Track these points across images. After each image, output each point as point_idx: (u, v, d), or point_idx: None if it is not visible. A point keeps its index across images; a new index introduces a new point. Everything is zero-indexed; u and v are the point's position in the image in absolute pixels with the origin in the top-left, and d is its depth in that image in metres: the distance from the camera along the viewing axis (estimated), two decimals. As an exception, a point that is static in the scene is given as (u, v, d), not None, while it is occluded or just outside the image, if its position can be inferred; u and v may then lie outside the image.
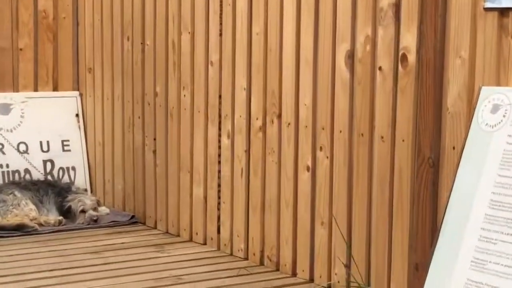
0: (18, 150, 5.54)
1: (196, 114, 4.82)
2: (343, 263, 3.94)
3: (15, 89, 5.71)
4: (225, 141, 4.63)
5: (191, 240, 4.91)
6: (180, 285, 4.05)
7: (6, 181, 5.46)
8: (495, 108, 3.21)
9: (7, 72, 5.71)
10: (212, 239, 4.79)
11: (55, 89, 5.82)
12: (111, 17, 5.48)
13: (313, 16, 4.04)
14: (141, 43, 5.22)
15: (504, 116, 3.18)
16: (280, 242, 4.29)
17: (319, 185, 4.06)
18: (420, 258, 3.52)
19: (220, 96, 4.64)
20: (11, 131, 5.56)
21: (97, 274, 4.21)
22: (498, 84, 3.29)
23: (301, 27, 4.10)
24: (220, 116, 4.66)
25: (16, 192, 5.16)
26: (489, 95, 3.24)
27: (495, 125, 3.20)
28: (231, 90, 4.56)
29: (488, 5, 3.29)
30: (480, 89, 3.29)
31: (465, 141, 3.25)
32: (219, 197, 4.71)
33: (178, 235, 5.03)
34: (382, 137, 3.74)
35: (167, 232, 5.12)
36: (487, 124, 3.22)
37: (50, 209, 5.28)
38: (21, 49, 5.74)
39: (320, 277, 4.07)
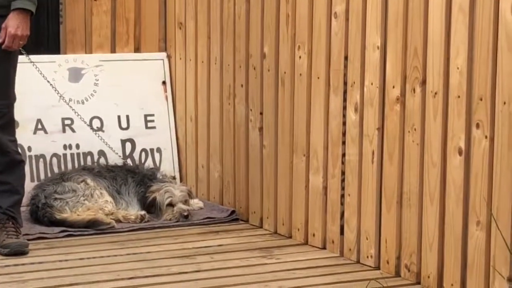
0: (91, 126, 5.61)
1: (315, 81, 4.82)
2: (503, 276, 3.82)
3: (88, 50, 5.80)
4: (351, 115, 4.61)
5: (306, 243, 4.93)
6: None
7: (77, 166, 5.55)
8: None
9: (79, 29, 5.79)
10: (333, 242, 4.78)
11: (137, 50, 5.89)
12: None
13: None
14: None
15: None
16: (423, 247, 4.25)
17: (475, 174, 3.98)
18: None
19: (346, 58, 4.63)
20: (83, 102, 5.65)
21: (187, 285, 4.23)
22: None
23: None
24: (345, 83, 4.64)
25: (89, 180, 5.22)
26: None
27: None
28: (360, 49, 4.54)
29: None
30: None
31: None
32: (342, 188, 4.70)
33: (290, 237, 5.02)
34: None
35: (275, 233, 5.13)
36: None
37: (130, 201, 5.34)
38: (95, 1, 5.79)
39: None
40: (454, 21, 4.04)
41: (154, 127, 5.74)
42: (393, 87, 4.35)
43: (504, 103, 3.80)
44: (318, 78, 4.78)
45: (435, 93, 4.14)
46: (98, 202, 5.11)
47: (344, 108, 4.65)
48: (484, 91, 3.91)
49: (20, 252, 4.57)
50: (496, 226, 3.81)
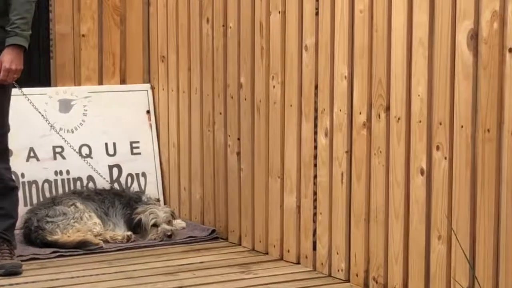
0: (80, 153, 5.63)
1: (288, 108, 4.86)
2: (463, 287, 3.87)
3: (77, 82, 5.81)
4: (322, 140, 4.65)
5: (282, 258, 4.96)
6: None
7: (67, 190, 5.57)
8: None
9: (68, 62, 5.80)
10: (306, 257, 4.81)
11: (123, 81, 5.91)
12: None
13: None
14: (223, 26, 5.26)
15: None
16: (389, 260, 4.31)
17: (436, 192, 4.07)
18: None
19: (316, 87, 4.67)
20: (72, 131, 5.66)
21: None
22: None
23: (413, 2, 4.09)
24: (316, 110, 4.68)
25: (78, 204, 5.24)
26: None
27: None
28: (329, 79, 4.58)
29: None
30: None
31: None
32: (315, 207, 4.73)
33: (267, 253, 5.08)
34: None
35: (253, 249, 5.18)
36: None
37: (117, 223, 5.36)
38: (83, 35, 5.84)
39: None
40: (415, 53, 4.10)
41: (139, 153, 5.76)
42: (360, 113, 4.39)
43: (462, 126, 3.87)
44: (291, 105, 4.82)
45: (398, 118, 4.19)
46: (87, 224, 5.12)
47: (315, 133, 4.69)
48: (443, 116, 3.97)
49: (14, 272, 4.58)
50: (456, 240, 3.86)
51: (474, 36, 3.81)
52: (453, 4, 3.89)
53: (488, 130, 3.77)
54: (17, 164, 5.22)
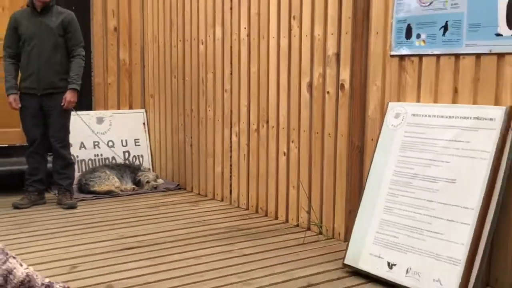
0: (107, 145, 5.56)
1: (216, 122, 4.78)
2: (306, 210, 3.97)
3: (106, 108, 5.70)
4: (234, 138, 4.61)
5: (213, 198, 4.90)
6: (206, 226, 4.06)
7: (100, 164, 5.48)
8: (397, 115, 3.29)
9: (101, 98, 5.69)
10: (226, 197, 4.76)
11: (130, 107, 5.79)
12: (164, 63, 5.37)
13: (287, 61, 4.04)
14: (183, 79, 5.12)
15: (402, 120, 3.26)
16: (269, 199, 4.31)
17: (291, 164, 4.09)
18: (352, 206, 3.57)
19: (231, 111, 4.60)
20: (104, 133, 5.57)
21: (155, 220, 4.24)
22: (398, 101, 3.38)
23: (280, 68, 4.11)
24: (231, 123, 4.62)
25: (107, 171, 5.19)
26: (393, 107, 3.33)
27: (397, 125, 3.26)
28: (238, 107, 4.53)
29: (393, 53, 3.41)
30: (387, 104, 3.39)
31: (379, 135, 3.34)
32: (230, 172, 4.68)
33: (206, 196, 5.00)
34: (329, 134, 3.79)
35: (198, 194, 5.08)
36: (392, 125, 3.29)
37: (127, 181, 5.27)
38: (109, 84, 5.71)
39: (292, 219, 4.13)
40: (281, 94, 4.11)
41: (139, 145, 5.65)
42: (254, 124, 4.37)
43: (304, 131, 3.97)
44: (218, 120, 4.71)
45: (273, 127, 4.18)
46: (111, 181, 5.07)
47: (231, 134, 4.64)
48: (295, 125, 4.02)
49: (72, 207, 4.53)
50: (302, 187, 3.98)
51: (310, 85, 3.91)
52: (299, 69, 3.94)
53: (317, 133, 3.90)
54: (74, 150, 5.14)
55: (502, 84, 2.84)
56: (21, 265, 2.03)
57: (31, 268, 2.10)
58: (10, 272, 1.95)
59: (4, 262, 1.95)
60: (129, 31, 5.77)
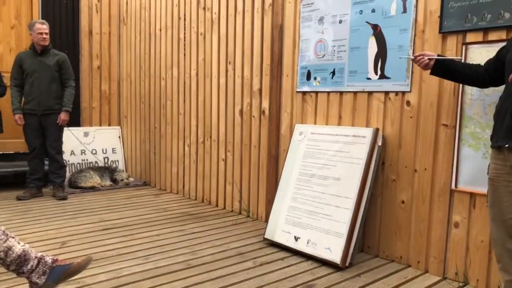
0: (91, 152, 5.35)
1: (173, 136, 4.66)
2: (238, 200, 3.96)
3: (91, 124, 5.50)
4: (186, 148, 4.50)
5: (171, 192, 4.77)
6: (165, 212, 3.95)
7: (86, 166, 5.24)
8: (300, 133, 3.28)
9: (87, 118, 5.48)
10: (180, 191, 4.63)
11: (109, 125, 5.61)
12: (135, 93, 5.21)
13: (225, 93, 4.02)
14: (149, 105, 5.00)
15: (304, 136, 3.27)
16: (211, 192, 4.23)
17: (228, 167, 4.04)
18: (270, 197, 3.56)
19: (184, 128, 4.50)
20: (89, 144, 5.35)
21: (127, 208, 4.11)
22: (302, 123, 3.40)
23: (220, 98, 4.06)
24: (184, 137, 4.51)
25: (91, 171, 4.98)
26: (298, 127, 3.35)
27: (301, 140, 3.26)
28: (189, 125, 4.44)
29: (298, 90, 3.43)
30: (294, 125, 3.40)
31: (289, 147, 3.34)
32: (183, 172, 4.57)
33: (165, 190, 4.86)
34: (254, 146, 3.79)
35: (160, 189, 4.94)
36: (297, 140, 3.31)
37: (106, 179, 5.07)
38: (93, 107, 5.52)
39: (228, 206, 4.07)
40: (221, 117, 4.04)
41: (116, 152, 5.45)
42: (201, 138, 4.27)
43: (237, 143, 3.87)
44: (174, 135, 4.60)
45: (214, 140, 4.12)
46: (94, 179, 4.88)
47: (184, 145, 4.51)
48: (231, 139, 3.96)
49: (64, 198, 4.35)
50: (235, 184, 3.90)
51: (241, 111, 3.89)
52: (234, 100, 3.89)
53: (246, 145, 3.87)
54: (66, 156, 4.93)
55: (371, 112, 2.93)
56: (18, 243, 1.99)
57: (27, 245, 2.05)
58: (9, 248, 1.93)
59: (5, 241, 1.93)
60: (109, 69, 5.63)
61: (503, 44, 2.20)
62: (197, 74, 4.34)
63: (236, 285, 2.39)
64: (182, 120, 4.52)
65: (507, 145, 1.69)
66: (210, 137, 4.20)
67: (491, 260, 2.42)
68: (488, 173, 1.87)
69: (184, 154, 4.54)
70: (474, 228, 2.47)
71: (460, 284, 2.49)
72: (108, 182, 5.09)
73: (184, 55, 4.48)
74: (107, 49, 5.61)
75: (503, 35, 2.32)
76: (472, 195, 2.47)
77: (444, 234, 2.59)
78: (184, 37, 4.46)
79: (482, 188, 2.39)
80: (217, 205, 4.17)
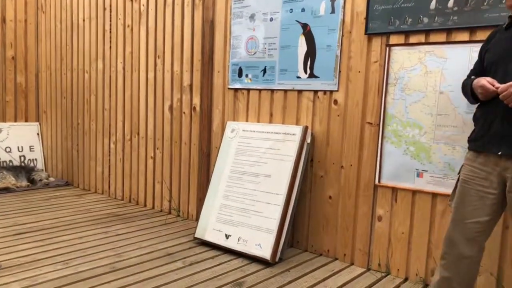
0: (5, 150, 5.04)
1: (98, 133, 4.52)
2: (168, 200, 3.93)
3: (4, 120, 5.18)
4: (112, 145, 4.38)
5: (95, 192, 4.63)
6: (89, 213, 3.82)
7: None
8: (232, 130, 3.31)
9: (2, 112, 5.16)
10: (106, 191, 4.44)
11: (26, 120, 5.32)
12: (56, 86, 4.98)
13: (153, 88, 3.95)
14: (71, 100, 4.80)
15: (236, 133, 3.29)
16: (139, 191, 4.14)
17: (157, 165, 3.98)
18: (202, 195, 3.57)
19: (110, 125, 4.37)
20: (2, 141, 5.05)
21: (45, 210, 3.94)
22: (234, 120, 3.41)
23: (148, 94, 3.97)
24: (110, 134, 4.38)
25: (4, 171, 4.70)
26: (230, 125, 3.36)
27: (232, 137, 3.28)
28: (115, 121, 4.31)
29: (229, 86, 3.43)
30: (226, 122, 3.41)
31: (221, 145, 3.34)
32: (109, 171, 4.45)
33: (89, 190, 4.72)
34: (185, 143, 3.74)
35: (83, 189, 4.79)
36: (229, 137, 3.32)
37: (22, 179, 4.81)
38: (7, 101, 5.19)
39: (157, 206, 4.01)
40: (149, 114, 3.96)
41: (34, 150, 5.19)
42: (127, 135, 4.17)
43: (166, 140, 3.80)
44: (99, 131, 4.46)
45: (142, 137, 4.03)
46: (8, 180, 4.62)
47: (109, 143, 4.38)
48: (160, 136, 3.89)
49: None
50: (164, 183, 3.84)
51: (171, 107, 3.82)
52: (163, 95, 3.83)
53: (176, 142, 3.80)
54: None
55: (301, 111, 2.99)
56: None
57: None
58: None
59: None
60: (25, 60, 5.28)
61: (425, 47, 2.38)
62: (124, 68, 4.23)
63: (164, 286, 2.34)
64: (108, 116, 4.37)
65: (500, 153, 1.66)
66: (138, 133, 4.09)
67: (410, 250, 2.57)
68: (459, 173, 1.86)
69: (110, 152, 4.40)
70: (396, 221, 2.60)
71: (383, 274, 2.62)
72: (24, 183, 4.81)
73: (110, 47, 4.35)
74: (22, 38, 5.26)
75: (422, 38, 2.48)
76: (394, 189, 2.59)
77: (368, 227, 2.72)
78: (110, 29, 4.32)
79: (403, 183, 2.53)
80: (145, 205, 4.09)
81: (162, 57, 3.88)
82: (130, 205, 4.13)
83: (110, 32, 4.31)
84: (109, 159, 4.42)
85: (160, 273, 2.52)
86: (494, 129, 1.69)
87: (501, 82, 1.65)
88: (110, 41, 4.32)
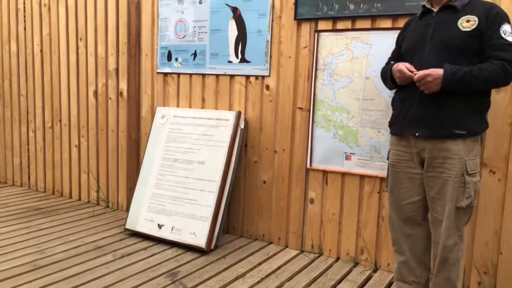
0: None
1: (14, 121, 4.26)
2: (95, 190, 3.82)
3: None
4: (31, 134, 4.16)
5: (13, 184, 4.37)
6: (7, 208, 3.61)
7: None
8: (163, 116, 3.26)
9: None
10: (25, 183, 4.29)
11: None
12: None
13: (76, 73, 3.77)
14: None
15: (167, 119, 3.24)
16: (63, 182, 3.99)
17: (82, 154, 3.85)
18: (132, 184, 3.51)
19: (27, 112, 4.14)
20: None
21: None
22: (164, 105, 3.36)
23: (70, 78, 3.77)
24: (27, 121, 4.16)
25: None
26: (160, 110, 3.30)
27: (163, 124, 3.23)
28: (33, 108, 4.09)
29: (158, 71, 3.37)
30: (156, 108, 3.34)
31: (150, 131, 3.28)
32: (28, 161, 4.22)
33: (6, 183, 4.41)
34: (112, 130, 3.63)
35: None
36: (159, 123, 3.26)
37: None
38: None
39: (84, 197, 3.88)
40: (72, 99, 3.80)
41: None
42: (48, 122, 3.97)
43: (92, 128, 3.70)
44: (16, 119, 4.20)
45: (65, 124, 3.85)
46: None
47: (27, 131, 4.15)
48: (84, 123, 3.76)
49: None
50: (91, 172, 3.73)
51: (95, 93, 3.69)
52: (87, 80, 3.66)
53: (103, 129, 3.68)
54: None
55: (233, 96, 3.01)
56: None
57: None
58: None
59: None
60: None
61: (351, 33, 2.48)
62: (41, 50, 4.01)
63: (93, 281, 2.27)
64: (25, 102, 4.15)
65: (417, 134, 1.77)
66: (60, 121, 3.93)
67: (341, 231, 2.70)
68: (387, 159, 1.96)
69: (28, 141, 4.19)
70: (327, 202, 2.70)
71: (316, 255, 2.73)
72: None
73: (25, 28, 4.09)
74: None
75: (348, 24, 2.57)
76: (324, 172, 2.69)
77: (301, 210, 2.81)
78: (24, 8, 4.04)
79: (333, 166, 2.64)
80: (70, 197, 3.96)
81: (84, 40, 3.72)
82: (53, 197, 3.97)
83: (24, 11, 4.04)
84: (28, 149, 4.21)
85: (88, 268, 2.45)
86: (411, 112, 1.80)
87: (417, 67, 1.77)
88: (25, 21, 4.04)
